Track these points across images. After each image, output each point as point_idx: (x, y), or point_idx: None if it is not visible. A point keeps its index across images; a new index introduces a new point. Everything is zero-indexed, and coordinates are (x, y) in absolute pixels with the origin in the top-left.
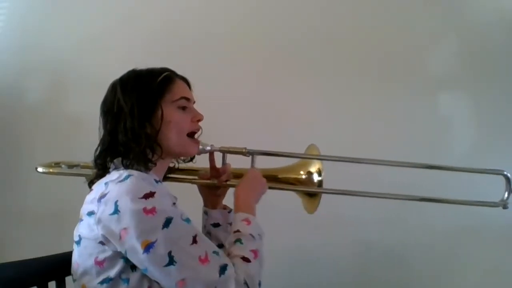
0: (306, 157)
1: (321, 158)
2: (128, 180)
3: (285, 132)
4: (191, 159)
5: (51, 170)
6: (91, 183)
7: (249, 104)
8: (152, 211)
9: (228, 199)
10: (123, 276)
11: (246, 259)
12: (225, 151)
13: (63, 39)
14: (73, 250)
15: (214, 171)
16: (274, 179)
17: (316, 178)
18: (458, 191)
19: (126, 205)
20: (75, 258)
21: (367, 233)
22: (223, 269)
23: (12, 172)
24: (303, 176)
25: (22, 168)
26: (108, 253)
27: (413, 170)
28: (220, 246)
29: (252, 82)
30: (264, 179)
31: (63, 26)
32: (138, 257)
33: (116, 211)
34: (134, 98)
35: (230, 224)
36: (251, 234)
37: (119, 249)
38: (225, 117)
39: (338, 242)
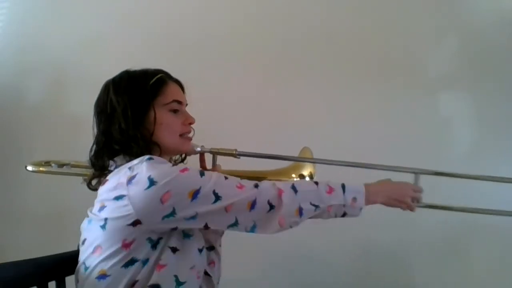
0: (297, 160)
1: (312, 161)
2: (153, 160)
3: (284, 133)
4: (182, 160)
5: (41, 169)
6: (89, 184)
7: (247, 105)
8: (186, 169)
9: None
10: (145, 257)
11: (316, 183)
12: (215, 153)
13: (63, 40)
14: (82, 241)
15: None
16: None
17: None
18: (462, 194)
19: (161, 177)
20: (97, 243)
21: (367, 233)
22: (256, 185)
23: (12, 172)
24: (295, 179)
25: (22, 168)
26: (136, 234)
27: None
28: (212, 247)
29: (251, 83)
30: (408, 198)
31: (63, 27)
32: (188, 206)
33: (152, 183)
34: (127, 99)
35: None
36: (343, 185)
37: (163, 215)
38: (224, 118)
39: (338, 243)
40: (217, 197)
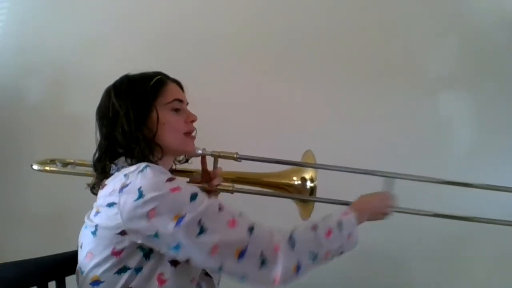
0: (299, 165)
1: (313, 166)
2: (148, 169)
3: (284, 133)
4: (187, 160)
5: (46, 168)
6: (93, 188)
7: (248, 105)
8: (177, 189)
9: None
10: (137, 265)
11: (314, 227)
12: (216, 156)
13: (63, 39)
14: (79, 245)
15: (206, 175)
16: (266, 184)
17: (308, 185)
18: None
19: (150, 190)
20: (88, 249)
21: (366, 234)
22: (251, 229)
23: (12, 172)
24: (296, 183)
25: (22, 168)
26: (126, 243)
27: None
28: None
29: (251, 84)
30: (388, 208)
31: (63, 26)
32: (170, 232)
33: (141, 196)
34: (129, 102)
35: None
36: (339, 222)
37: (147, 234)
38: (224, 118)
39: None
40: (202, 229)
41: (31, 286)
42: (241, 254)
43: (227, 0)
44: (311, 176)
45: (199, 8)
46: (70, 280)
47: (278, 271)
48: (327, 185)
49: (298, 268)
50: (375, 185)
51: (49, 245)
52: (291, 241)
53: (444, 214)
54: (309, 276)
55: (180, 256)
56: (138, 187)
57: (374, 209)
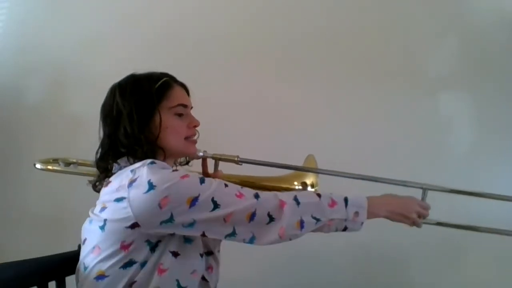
0: (301, 170)
1: (316, 172)
2: (155, 164)
3: (285, 134)
4: (187, 162)
5: (49, 167)
6: (94, 186)
7: (248, 106)
8: (186, 176)
9: None
10: (143, 259)
11: (318, 195)
12: (217, 158)
13: (63, 39)
14: (82, 240)
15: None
16: (266, 188)
17: (309, 190)
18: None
19: (160, 180)
20: (95, 243)
21: (367, 235)
22: (256, 195)
23: (12, 172)
24: (296, 187)
25: (22, 168)
26: (135, 236)
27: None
28: (210, 252)
29: (251, 84)
30: (415, 213)
31: (63, 26)
32: (185, 213)
33: (151, 187)
34: (133, 103)
35: None
36: (346, 199)
37: (160, 220)
38: (224, 119)
39: (337, 244)
40: (216, 205)
41: (31, 286)
42: (251, 217)
43: (227, 0)
44: (312, 181)
45: (199, 8)
46: (70, 280)
47: (283, 225)
48: (328, 189)
49: (301, 224)
50: (376, 189)
51: (49, 245)
52: (296, 200)
53: (447, 223)
54: (310, 276)
55: (194, 231)
56: (147, 180)
57: (394, 207)
